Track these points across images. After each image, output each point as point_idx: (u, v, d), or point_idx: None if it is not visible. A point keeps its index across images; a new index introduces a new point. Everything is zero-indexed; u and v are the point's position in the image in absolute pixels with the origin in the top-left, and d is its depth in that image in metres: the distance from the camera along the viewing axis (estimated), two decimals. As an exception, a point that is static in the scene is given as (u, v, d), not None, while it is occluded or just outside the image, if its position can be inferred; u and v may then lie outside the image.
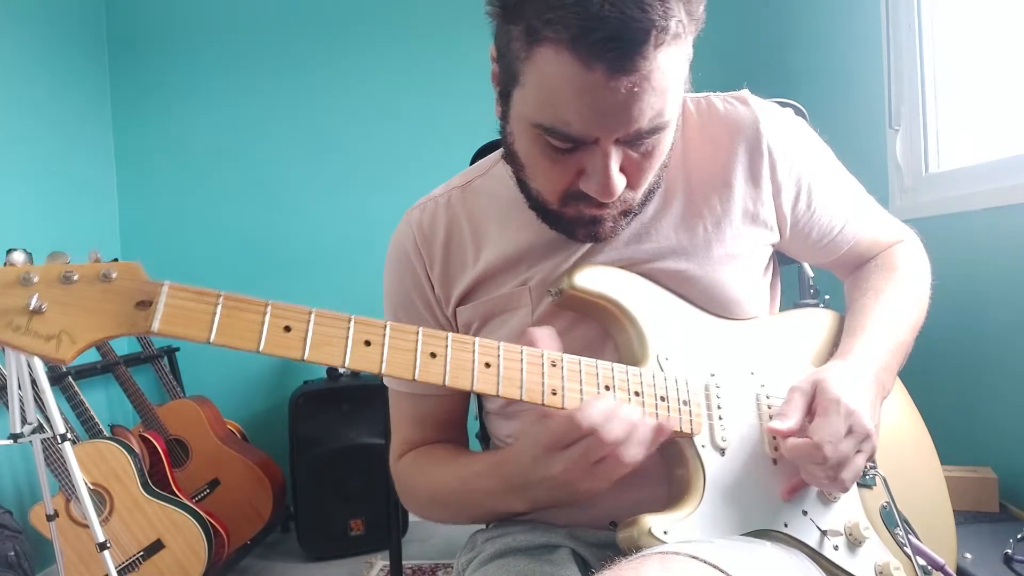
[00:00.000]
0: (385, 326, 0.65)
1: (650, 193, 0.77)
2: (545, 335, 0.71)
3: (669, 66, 0.63)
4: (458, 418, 0.92)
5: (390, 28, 2.93)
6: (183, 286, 0.59)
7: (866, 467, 0.81)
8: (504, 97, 0.72)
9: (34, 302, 0.55)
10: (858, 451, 0.73)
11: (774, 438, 0.77)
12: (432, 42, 2.91)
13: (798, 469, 0.76)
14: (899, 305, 0.87)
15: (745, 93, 0.86)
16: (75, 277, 0.57)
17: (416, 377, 0.64)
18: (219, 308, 0.59)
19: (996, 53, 1.70)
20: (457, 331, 0.85)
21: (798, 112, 1.43)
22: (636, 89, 0.62)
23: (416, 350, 0.65)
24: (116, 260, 2.32)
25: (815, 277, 1.61)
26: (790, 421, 0.74)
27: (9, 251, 1.43)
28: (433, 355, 0.66)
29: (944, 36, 1.85)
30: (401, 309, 0.89)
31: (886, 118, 1.96)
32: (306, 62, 2.95)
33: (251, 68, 2.95)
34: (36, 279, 0.55)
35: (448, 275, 0.86)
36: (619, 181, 0.68)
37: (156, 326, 0.57)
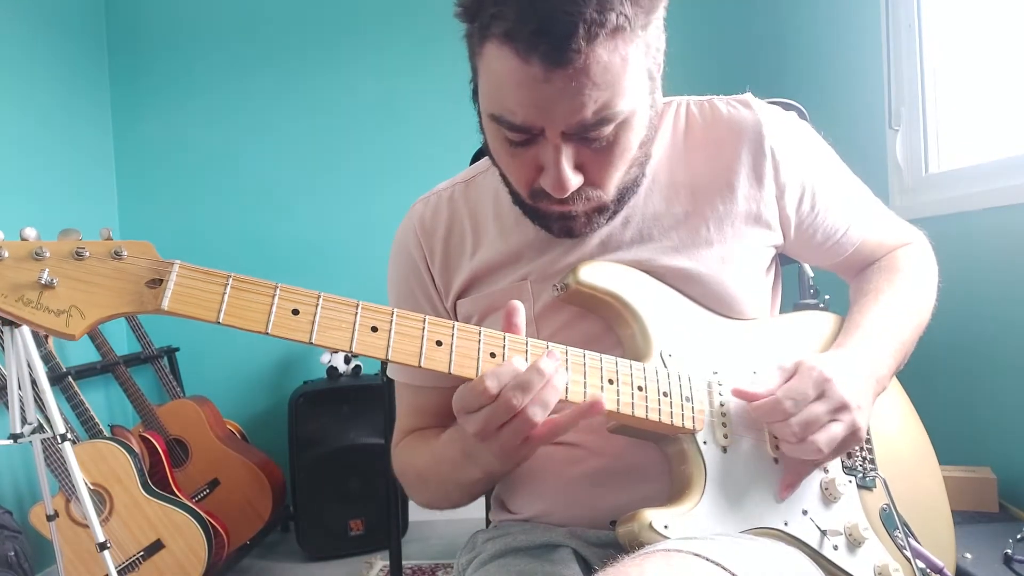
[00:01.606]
0: (392, 313, 0.65)
1: (626, 191, 0.77)
2: (521, 307, 0.70)
3: (614, 59, 0.64)
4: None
5: (391, 29, 2.94)
6: (193, 266, 0.60)
7: (866, 468, 0.81)
8: (475, 94, 0.74)
9: (45, 276, 0.55)
10: (834, 420, 0.72)
11: (775, 437, 0.77)
12: (432, 44, 2.92)
13: (794, 468, 0.76)
14: (898, 305, 0.87)
15: (748, 96, 0.86)
16: (86, 253, 0.57)
17: (421, 364, 0.65)
18: (228, 289, 0.60)
19: (996, 53, 1.70)
20: None
21: (799, 113, 1.44)
22: (573, 83, 0.63)
23: (422, 338, 0.66)
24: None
25: (815, 277, 1.61)
26: (759, 388, 0.75)
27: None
28: (439, 343, 0.66)
29: (944, 36, 1.85)
30: (403, 301, 0.90)
31: (886, 118, 1.96)
32: (306, 62, 2.95)
33: (251, 68, 2.96)
34: (48, 254, 0.56)
35: (448, 267, 0.87)
36: (572, 177, 0.69)
37: (166, 305, 0.58)
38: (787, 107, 1.41)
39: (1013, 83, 1.64)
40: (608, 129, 0.67)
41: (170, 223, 2.96)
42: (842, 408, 0.72)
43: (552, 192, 0.70)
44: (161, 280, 0.58)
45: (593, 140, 0.68)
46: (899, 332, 0.85)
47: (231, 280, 0.60)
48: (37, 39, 2.56)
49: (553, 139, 0.67)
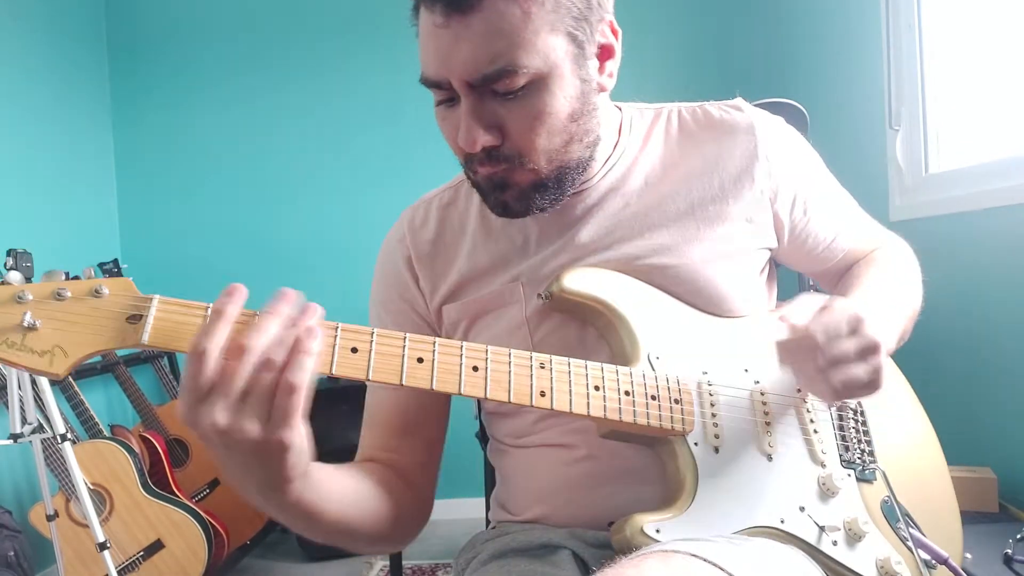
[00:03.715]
0: (372, 332, 0.65)
1: (567, 169, 0.75)
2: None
3: (512, 10, 0.66)
4: (426, 418, 0.88)
5: (390, 29, 2.93)
6: (172, 299, 0.61)
7: (865, 461, 0.81)
8: None
9: (28, 319, 0.57)
10: (861, 361, 0.69)
11: (769, 435, 0.77)
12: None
13: (793, 463, 0.76)
14: (891, 283, 0.88)
15: (739, 100, 0.87)
16: (67, 294, 0.59)
17: (403, 382, 0.65)
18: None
19: (996, 53, 1.70)
20: (441, 330, 0.86)
21: (799, 112, 1.44)
22: (469, 29, 0.66)
23: (403, 355, 0.65)
24: (115, 261, 2.26)
25: (816, 281, 1.61)
26: (797, 317, 0.71)
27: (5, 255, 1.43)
28: (420, 360, 0.66)
29: (944, 36, 1.84)
30: (382, 306, 0.90)
31: (886, 118, 1.95)
32: (306, 63, 2.95)
33: (251, 69, 2.96)
34: (30, 297, 0.58)
35: (435, 269, 0.87)
36: (480, 130, 0.70)
37: (146, 339, 0.59)
38: (787, 107, 1.42)
39: (1013, 83, 1.64)
40: (515, 82, 0.68)
41: (170, 221, 2.96)
42: (872, 349, 0.69)
43: (463, 146, 0.72)
44: (141, 316, 0.60)
45: (503, 94, 0.69)
46: (896, 302, 0.86)
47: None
48: (38, 39, 2.56)
49: (460, 89, 0.69)
